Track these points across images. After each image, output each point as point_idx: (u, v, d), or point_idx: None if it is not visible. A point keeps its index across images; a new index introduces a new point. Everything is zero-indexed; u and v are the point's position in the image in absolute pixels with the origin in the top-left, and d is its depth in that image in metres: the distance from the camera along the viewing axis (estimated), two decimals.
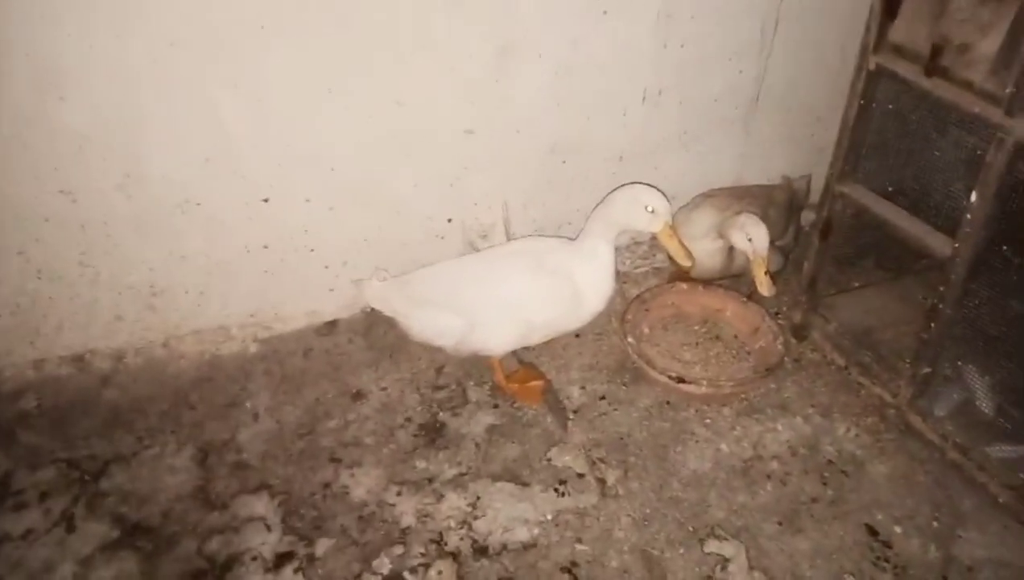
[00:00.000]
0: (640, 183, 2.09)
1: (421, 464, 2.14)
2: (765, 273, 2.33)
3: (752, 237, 2.31)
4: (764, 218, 2.40)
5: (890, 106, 2.08)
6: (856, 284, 2.68)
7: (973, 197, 1.86)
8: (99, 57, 1.93)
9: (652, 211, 2.03)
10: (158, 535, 1.96)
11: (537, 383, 2.36)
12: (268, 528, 1.97)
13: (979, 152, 1.85)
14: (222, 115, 2.12)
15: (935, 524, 2.00)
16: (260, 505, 2.03)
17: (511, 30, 2.26)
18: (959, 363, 2.18)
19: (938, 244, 2.00)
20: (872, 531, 1.99)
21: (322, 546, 1.92)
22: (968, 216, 1.89)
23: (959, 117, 1.89)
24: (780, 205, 2.53)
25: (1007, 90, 1.72)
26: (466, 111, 2.35)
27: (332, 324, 2.57)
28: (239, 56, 2.04)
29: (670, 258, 2.19)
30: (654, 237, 2.13)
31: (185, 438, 2.20)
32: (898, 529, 1.99)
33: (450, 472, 2.12)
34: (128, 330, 2.38)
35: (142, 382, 2.35)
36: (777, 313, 2.63)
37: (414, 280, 2.23)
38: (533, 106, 2.42)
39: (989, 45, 1.74)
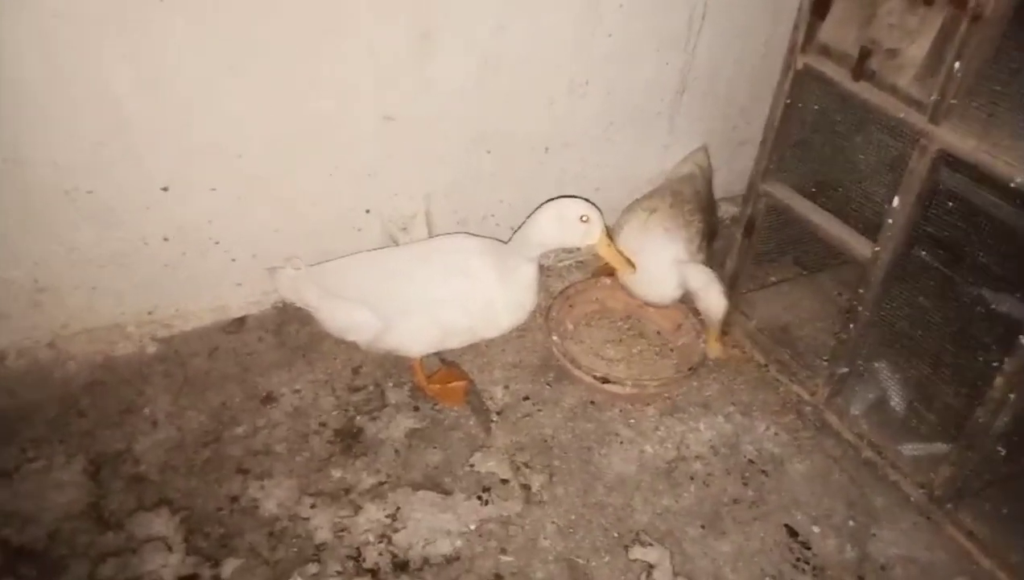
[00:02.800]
0: (563, 197, 2.00)
1: (337, 473, 2.03)
2: (717, 339, 2.33)
3: (712, 307, 2.27)
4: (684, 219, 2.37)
5: (816, 106, 2.07)
6: (774, 279, 2.71)
7: (895, 202, 1.88)
8: None
9: (587, 221, 1.94)
10: (44, 560, 1.79)
11: (459, 384, 2.28)
12: (169, 548, 1.83)
13: (903, 157, 1.86)
14: (116, 95, 1.92)
15: (851, 523, 2.04)
16: (160, 523, 1.88)
17: (434, 13, 2.14)
18: (874, 362, 2.22)
19: (859, 246, 2.01)
20: (792, 532, 2.01)
21: (229, 567, 1.80)
22: (889, 220, 1.90)
23: (884, 121, 1.89)
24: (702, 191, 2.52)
25: (932, 97, 1.73)
26: (386, 97, 2.22)
27: (240, 321, 2.41)
28: (135, 31, 1.85)
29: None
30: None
31: (75, 449, 2.02)
32: (816, 529, 2.02)
33: (368, 481, 2.02)
34: (10, 329, 2.16)
35: (26, 387, 2.14)
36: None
37: (328, 270, 2.10)
38: (457, 93, 2.31)
39: (916, 51, 1.74)
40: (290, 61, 2.04)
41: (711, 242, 2.60)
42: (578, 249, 2.78)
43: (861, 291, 2.03)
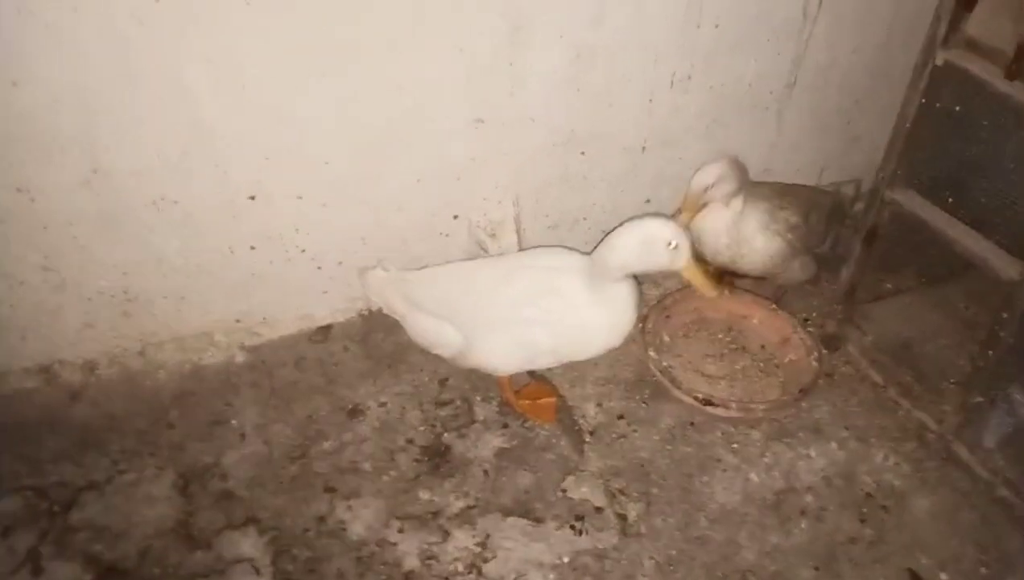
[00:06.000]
0: (647, 216, 1.84)
1: (425, 495, 1.96)
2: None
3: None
4: (804, 222, 2.18)
5: (957, 107, 1.85)
6: (889, 286, 2.49)
7: None
8: (55, 35, 1.67)
9: (675, 247, 1.78)
10: (135, 579, 1.77)
11: (550, 400, 2.17)
12: (257, 571, 1.79)
13: None
14: (199, 102, 1.86)
15: (982, 570, 1.85)
16: (248, 543, 1.84)
17: (527, 5, 1.99)
18: (1010, 388, 2.00)
19: (1003, 266, 1.80)
20: (915, 576, 1.84)
21: None
22: None
23: None
24: (823, 211, 2.29)
25: None
26: (475, 98, 2.10)
27: (326, 329, 2.35)
28: (217, 35, 1.77)
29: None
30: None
31: (165, 462, 2.01)
32: (944, 576, 1.84)
33: (457, 505, 1.94)
34: (100, 338, 2.16)
35: (116, 397, 2.14)
36: (807, 320, 2.44)
37: (414, 281, 2.02)
38: (550, 92, 2.17)
39: None
40: (376, 62, 1.94)
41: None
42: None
43: (1004, 315, 1.81)
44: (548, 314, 1.87)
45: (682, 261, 1.82)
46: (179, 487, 1.96)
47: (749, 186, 2.21)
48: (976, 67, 1.73)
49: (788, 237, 2.16)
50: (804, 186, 2.41)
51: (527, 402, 2.15)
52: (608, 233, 1.87)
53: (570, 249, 2.02)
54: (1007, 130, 1.76)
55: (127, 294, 2.11)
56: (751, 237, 2.16)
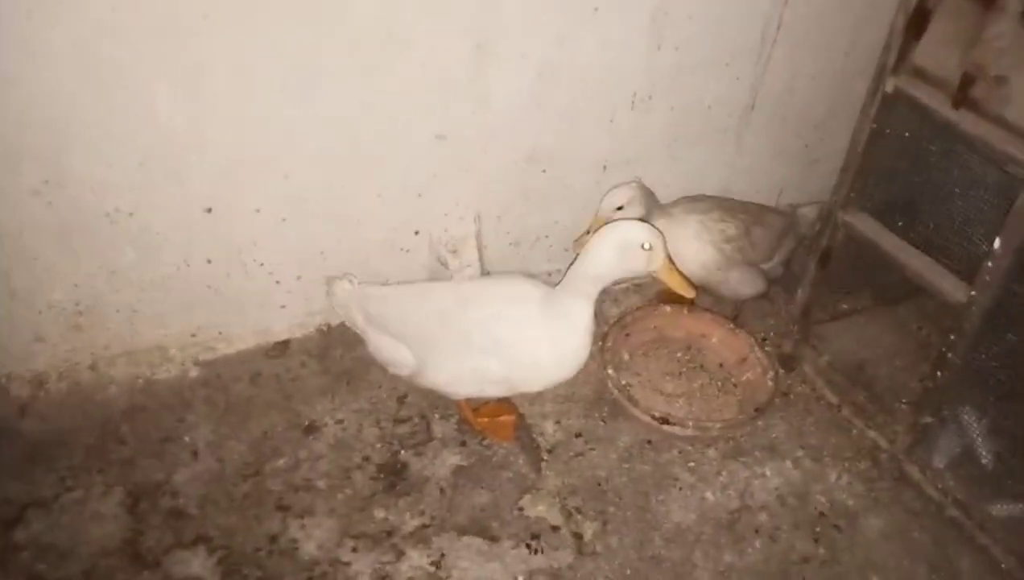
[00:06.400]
0: (622, 221, 1.86)
1: (380, 513, 1.94)
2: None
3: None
4: (746, 235, 2.21)
5: (906, 133, 1.89)
6: (845, 307, 2.53)
7: (997, 244, 1.69)
8: (12, 41, 1.64)
9: (650, 248, 1.79)
10: None
11: (509, 418, 2.16)
12: None
13: (1006, 195, 1.68)
14: (158, 114, 1.84)
15: None
16: (197, 563, 1.81)
17: (490, 25, 2.00)
18: (960, 409, 2.04)
19: (952, 290, 1.83)
20: None
21: None
22: (989, 263, 1.72)
23: (987, 155, 1.71)
24: (771, 228, 2.32)
25: None
26: (437, 114, 2.10)
27: (284, 345, 2.33)
28: (179, 46, 1.76)
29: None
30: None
31: (114, 479, 1.96)
32: None
33: (412, 523, 1.92)
34: (50, 352, 2.11)
35: (66, 411, 2.09)
36: (764, 339, 2.47)
37: (374, 297, 2.00)
38: (512, 109, 2.18)
39: None
40: (337, 77, 1.94)
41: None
42: None
43: (952, 338, 1.85)
44: (497, 345, 1.85)
45: (658, 262, 1.81)
46: (128, 505, 1.91)
47: (690, 199, 2.31)
48: (924, 95, 1.77)
49: (723, 248, 2.21)
50: (759, 205, 2.44)
51: (486, 420, 2.15)
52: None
53: (533, 278, 2.00)
54: (954, 156, 1.80)
55: (79, 307, 2.07)
56: (684, 245, 2.19)
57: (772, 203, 2.81)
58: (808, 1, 2.31)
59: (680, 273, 1.91)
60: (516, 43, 2.06)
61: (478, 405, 2.17)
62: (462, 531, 1.91)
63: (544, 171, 2.34)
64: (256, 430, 2.10)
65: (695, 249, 2.22)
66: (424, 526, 1.92)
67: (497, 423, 2.15)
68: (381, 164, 2.13)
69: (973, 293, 1.77)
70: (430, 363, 1.91)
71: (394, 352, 1.96)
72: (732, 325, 2.38)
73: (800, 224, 2.48)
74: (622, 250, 1.77)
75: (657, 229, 1.83)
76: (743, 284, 2.31)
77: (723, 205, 2.32)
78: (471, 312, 1.88)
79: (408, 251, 2.34)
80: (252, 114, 1.92)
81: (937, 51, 1.73)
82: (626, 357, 2.37)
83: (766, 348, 2.37)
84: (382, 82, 1.99)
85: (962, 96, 1.67)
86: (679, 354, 2.43)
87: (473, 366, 1.88)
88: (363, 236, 2.25)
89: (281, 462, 2.03)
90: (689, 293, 1.91)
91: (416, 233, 2.31)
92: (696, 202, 2.33)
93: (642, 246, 1.77)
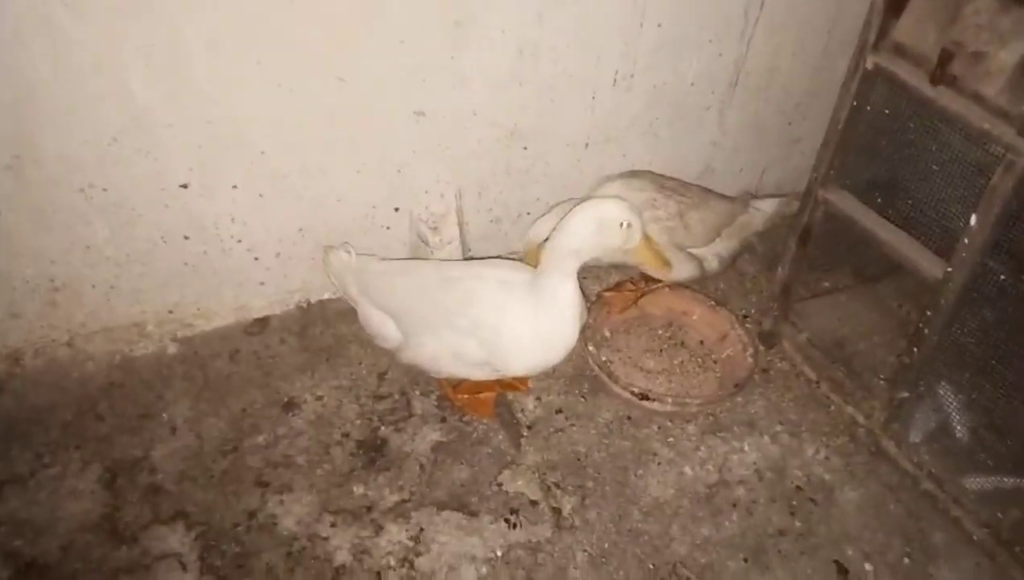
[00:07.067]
0: (599, 197, 1.85)
1: (359, 489, 1.94)
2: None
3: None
4: (678, 216, 2.19)
5: (886, 110, 1.89)
6: (825, 284, 2.54)
7: (973, 220, 1.70)
8: None
9: (628, 226, 1.79)
10: (56, 575, 1.73)
11: (489, 394, 2.16)
12: (183, 567, 1.75)
13: (983, 171, 1.68)
14: (131, 89, 1.82)
15: (906, 561, 1.90)
16: (175, 538, 1.81)
17: (470, 1, 1.98)
18: (936, 385, 2.05)
19: (929, 266, 1.84)
20: (842, 568, 1.87)
21: None
22: (965, 240, 1.73)
23: (965, 131, 1.71)
24: (712, 213, 2.28)
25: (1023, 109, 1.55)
26: (417, 90, 2.09)
27: (263, 321, 2.32)
28: (151, 20, 1.73)
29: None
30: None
31: (91, 455, 1.95)
32: (868, 566, 1.88)
33: (391, 499, 1.92)
34: (26, 328, 2.09)
35: (42, 388, 2.08)
36: (746, 317, 2.48)
37: (369, 270, 2.00)
38: (492, 86, 2.16)
39: (1008, 57, 1.55)
40: (315, 52, 1.91)
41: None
42: None
43: (929, 313, 1.86)
44: (478, 328, 1.85)
45: (635, 240, 1.82)
46: (105, 481, 1.91)
47: (630, 174, 2.31)
48: (903, 72, 1.77)
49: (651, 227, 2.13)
50: (705, 189, 2.38)
51: (466, 396, 2.15)
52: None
53: (522, 264, 2.01)
54: (932, 133, 1.80)
55: (54, 283, 2.05)
56: None
57: (755, 184, 2.82)
58: None
59: (656, 252, 1.92)
60: (496, 19, 2.05)
61: (458, 382, 2.17)
62: (441, 506, 1.92)
63: (525, 148, 2.33)
64: (235, 407, 2.09)
65: None
66: (403, 501, 1.92)
67: (477, 400, 2.15)
68: (360, 140, 2.12)
69: (949, 269, 1.78)
70: (413, 340, 1.91)
71: (382, 325, 1.96)
72: (713, 302, 2.39)
73: (755, 219, 2.39)
74: (600, 225, 1.77)
75: (636, 208, 1.83)
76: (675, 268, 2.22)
77: (660, 183, 2.26)
78: (456, 293, 1.88)
79: (389, 228, 2.33)
80: (227, 89, 1.89)
81: (917, 28, 1.73)
82: (607, 334, 2.37)
83: (747, 325, 2.38)
84: (359, 59, 1.97)
85: (940, 73, 1.67)
86: (660, 331, 2.43)
87: (453, 347, 1.88)
88: (343, 213, 2.24)
89: (260, 438, 2.03)
90: (665, 269, 1.91)
91: (396, 210, 2.30)
92: (633, 179, 2.28)
93: (621, 224, 1.77)
